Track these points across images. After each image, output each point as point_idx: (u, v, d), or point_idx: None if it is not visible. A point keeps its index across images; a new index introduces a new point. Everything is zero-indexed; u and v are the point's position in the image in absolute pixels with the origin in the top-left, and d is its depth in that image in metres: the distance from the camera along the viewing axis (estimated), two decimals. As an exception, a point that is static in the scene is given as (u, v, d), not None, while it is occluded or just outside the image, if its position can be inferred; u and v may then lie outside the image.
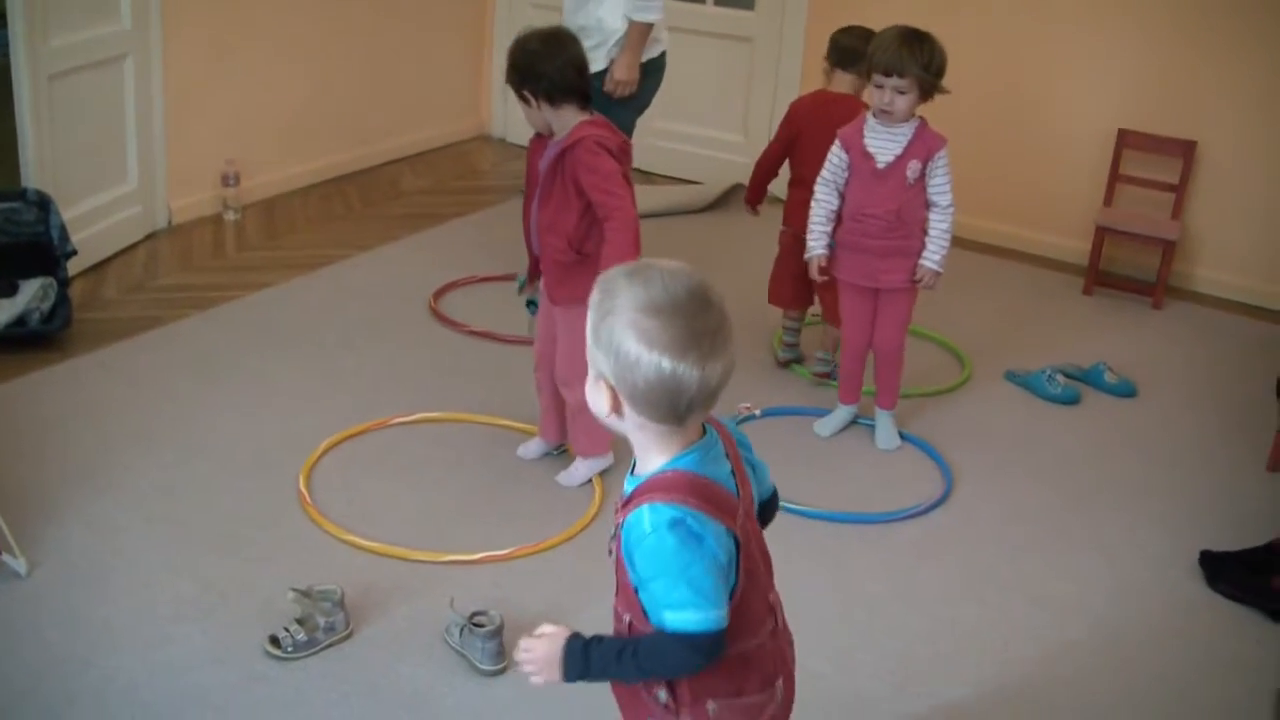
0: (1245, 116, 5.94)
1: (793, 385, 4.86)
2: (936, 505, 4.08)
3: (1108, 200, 6.21)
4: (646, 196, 6.82)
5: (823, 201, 4.29)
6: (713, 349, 1.90)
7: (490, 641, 3.11)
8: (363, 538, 3.63)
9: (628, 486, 2.06)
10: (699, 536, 1.93)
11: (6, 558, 3.35)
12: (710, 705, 2.10)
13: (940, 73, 4.04)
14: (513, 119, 7.80)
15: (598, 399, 2.00)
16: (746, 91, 7.17)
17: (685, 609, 1.94)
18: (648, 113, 5.42)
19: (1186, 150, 6.02)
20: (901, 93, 4.02)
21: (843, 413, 4.55)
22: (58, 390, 4.36)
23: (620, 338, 1.90)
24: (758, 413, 4.52)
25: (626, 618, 2.07)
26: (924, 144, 4.10)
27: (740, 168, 7.17)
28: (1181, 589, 3.76)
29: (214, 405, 4.34)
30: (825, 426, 4.53)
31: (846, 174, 4.22)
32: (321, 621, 3.17)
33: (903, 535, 3.93)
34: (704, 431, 2.05)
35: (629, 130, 4.97)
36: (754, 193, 5.04)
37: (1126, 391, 4.99)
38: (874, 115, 4.13)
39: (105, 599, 3.30)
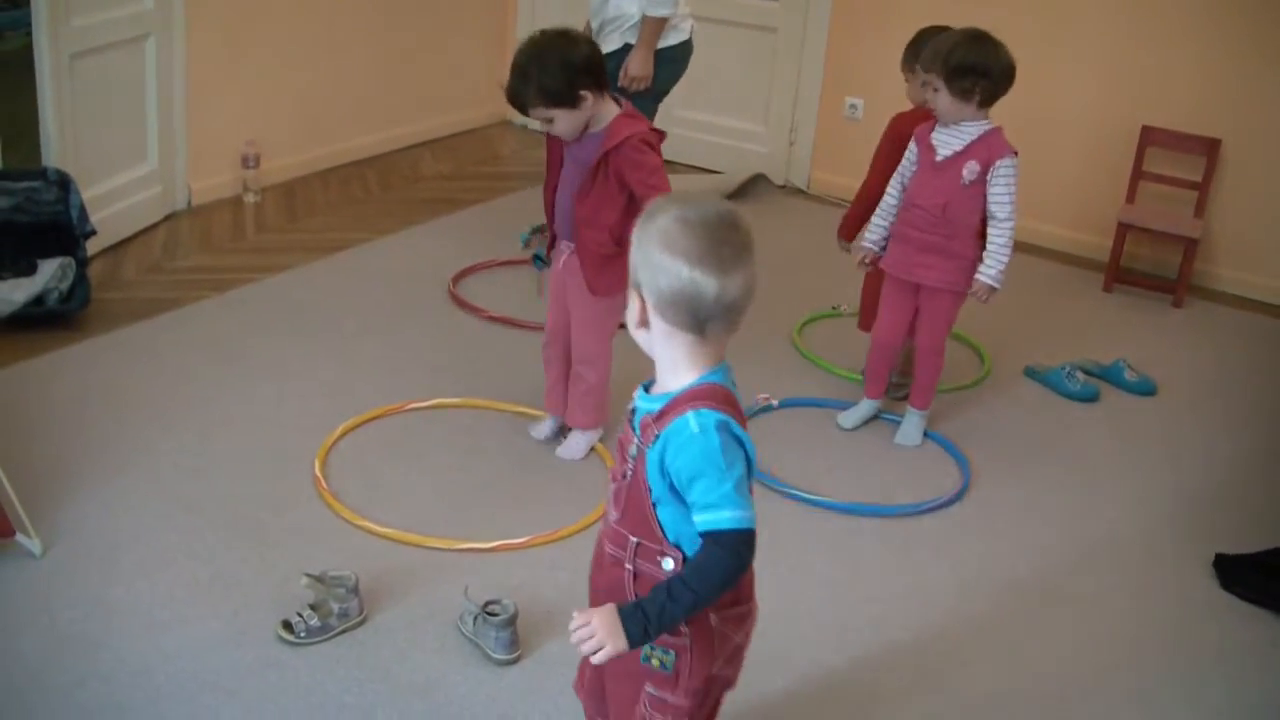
0: (1270, 114, 5.90)
1: (810, 377, 4.84)
2: (954, 500, 4.07)
3: (1130, 197, 6.17)
4: (667, 185, 6.82)
5: (886, 195, 4.29)
6: (733, 262, 2.07)
7: (504, 631, 3.11)
8: (378, 524, 3.63)
9: (648, 405, 2.17)
10: (740, 440, 2.10)
11: (21, 538, 3.35)
12: (712, 618, 2.23)
13: (965, 70, 3.94)
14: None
15: (631, 310, 2.15)
16: (769, 81, 7.14)
17: (726, 508, 2.05)
18: (668, 100, 5.40)
19: (1210, 148, 5.98)
20: (935, 90, 4.01)
21: (866, 406, 4.52)
22: (75, 370, 4.36)
23: (650, 245, 2.06)
24: (775, 403, 4.53)
25: (634, 540, 2.18)
26: (987, 148, 4.03)
27: (761, 158, 7.19)
28: (1197, 589, 3.74)
29: (231, 387, 4.34)
30: (848, 419, 4.51)
31: (914, 170, 4.20)
32: (335, 607, 3.17)
33: (920, 529, 3.92)
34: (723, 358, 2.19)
35: (651, 118, 4.96)
36: (851, 229, 4.67)
37: (1146, 389, 4.97)
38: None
39: (119, 580, 3.30)
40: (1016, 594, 3.64)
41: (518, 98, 3.70)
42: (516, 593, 3.28)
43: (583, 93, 3.64)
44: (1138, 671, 3.36)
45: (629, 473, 2.17)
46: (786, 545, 3.75)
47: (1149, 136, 6.09)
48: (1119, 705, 3.22)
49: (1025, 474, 4.30)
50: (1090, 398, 4.86)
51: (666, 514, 2.14)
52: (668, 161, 7.32)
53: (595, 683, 2.44)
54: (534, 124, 3.99)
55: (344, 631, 3.18)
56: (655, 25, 4.99)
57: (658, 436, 2.10)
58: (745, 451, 2.11)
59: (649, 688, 2.27)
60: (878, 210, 4.32)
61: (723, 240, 2.07)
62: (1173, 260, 6.06)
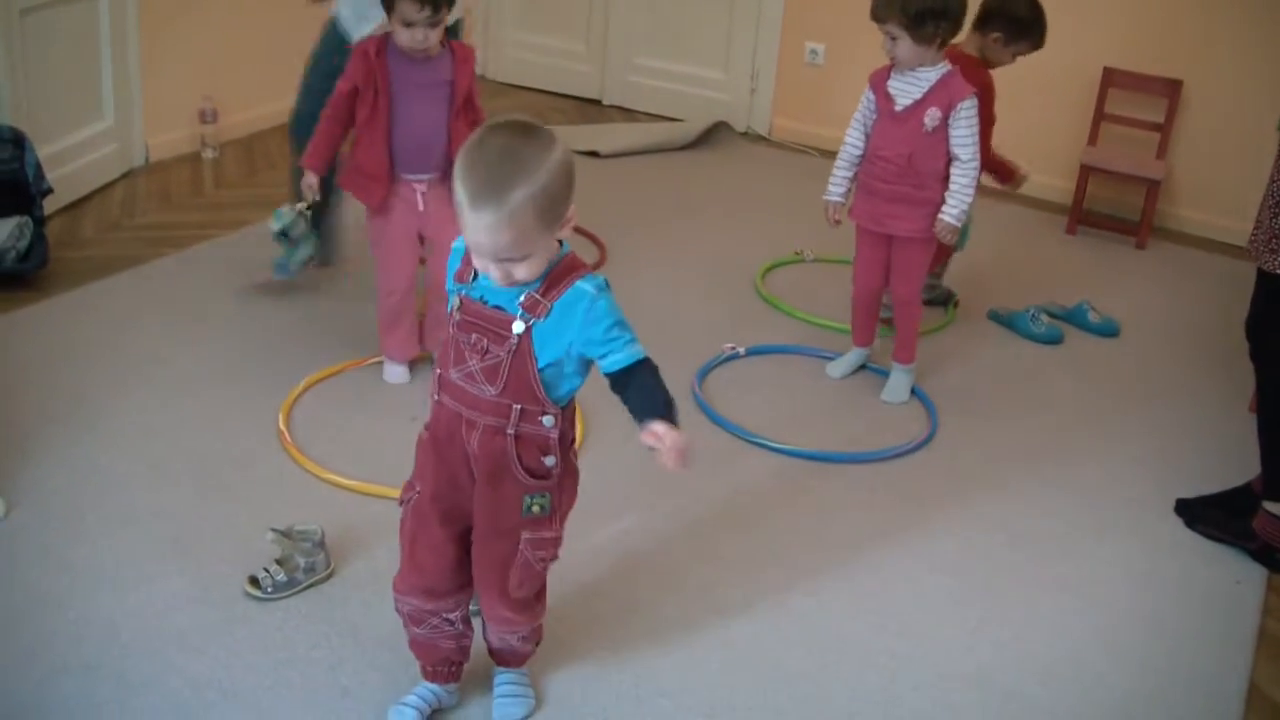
0: (1232, 56, 5.91)
1: (774, 324, 4.84)
2: (921, 445, 4.08)
3: (1092, 139, 6.18)
4: (628, 134, 6.80)
5: (847, 145, 4.23)
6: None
7: (471, 582, 3.11)
8: (343, 476, 3.61)
9: (511, 296, 2.36)
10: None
11: (-17, 498, 3.33)
12: (572, 454, 2.59)
13: (926, 15, 3.87)
14: (494, 57, 7.76)
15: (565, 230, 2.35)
16: (729, 28, 7.10)
17: (636, 343, 2.40)
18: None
19: (1172, 90, 5.99)
20: (893, 38, 3.95)
21: (854, 355, 4.51)
22: (35, 330, 4.32)
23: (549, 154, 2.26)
24: (742, 351, 4.53)
25: (517, 407, 2.41)
26: (946, 92, 3.99)
27: (721, 104, 7.16)
28: (1162, 529, 3.77)
29: (193, 344, 4.30)
30: (836, 369, 4.50)
31: (874, 117, 4.16)
32: (302, 562, 3.15)
33: (888, 475, 3.93)
34: None
35: None
36: None
37: (1110, 331, 4.99)
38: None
39: (83, 540, 3.28)
40: (983, 535, 3.65)
41: None
42: (484, 544, 3.27)
43: None
44: (1104, 610, 3.38)
45: (513, 348, 2.37)
46: (753, 493, 3.76)
47: (1110, 78, 6.09)
48: (1084, 643, 3.24)
49: (990, 417, 4.32)
50: (1054, 340, 4.87)
51: (551, 375, 2.41)
52: (630, 110, 7.38)
53: (441, 565, 2.62)
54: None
55: (311, 586, 3.17)
56: None
57: (550, 309, 2.35)
58: None
59: (526, 534, 2.53)
60: (839, 159, 4.26)
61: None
62: (1135, 202, 6.08)
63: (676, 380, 4.24)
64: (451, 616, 2.70)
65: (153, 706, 2.77)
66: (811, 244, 5.47)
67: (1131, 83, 6.07)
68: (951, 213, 4.08)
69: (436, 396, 2.50)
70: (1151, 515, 3.83)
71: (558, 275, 2.35)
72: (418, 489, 2.60)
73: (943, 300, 5.05)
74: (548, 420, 2.44)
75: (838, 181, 4.27)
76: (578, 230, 5.45)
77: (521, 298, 2.35)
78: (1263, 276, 3.55)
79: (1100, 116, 6.15)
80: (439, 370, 2.49)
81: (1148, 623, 3.36)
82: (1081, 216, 6.10)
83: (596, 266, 5.12)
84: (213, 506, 3.47)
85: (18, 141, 4.73)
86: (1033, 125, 6.32)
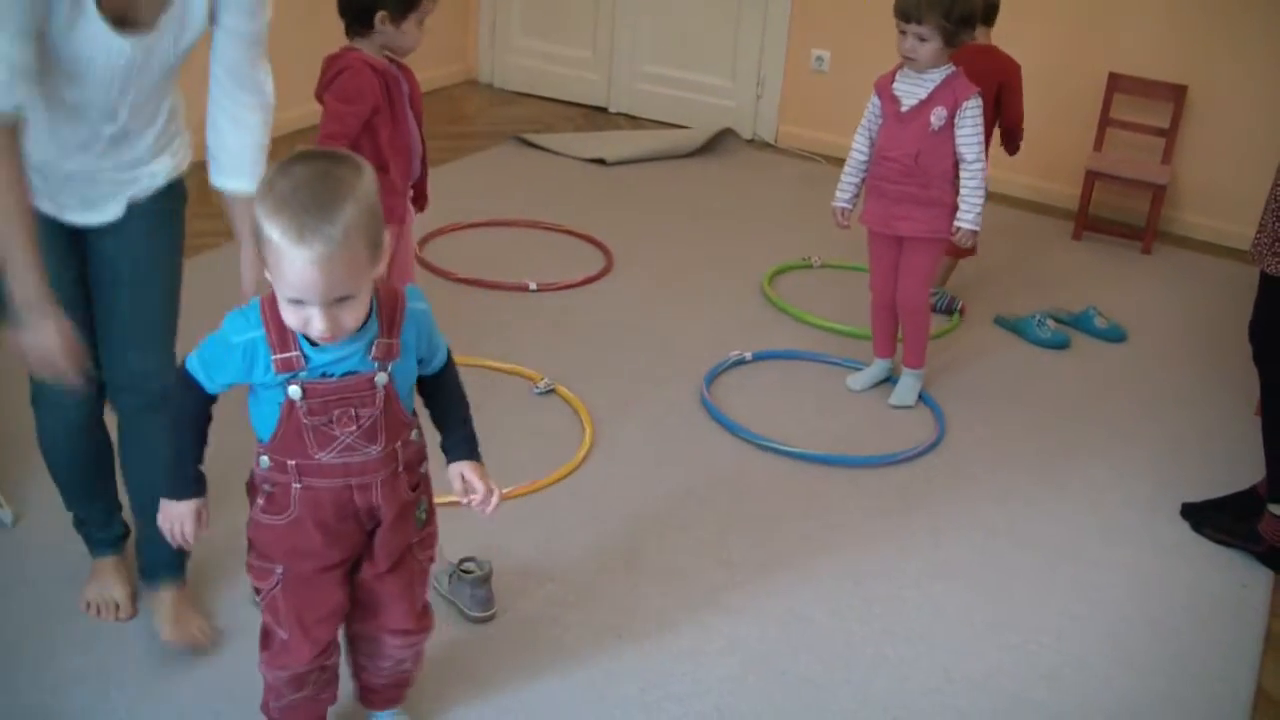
0: (1237, 61, 5.92)
1: (781, 329, 4.84)
2: (929, 449, 4.08)
3: (1098, 145, 6.19)
4: (635, 141, 6.80)
5: (853, 152, 4.24)
6: None
7: (479, 589, 3.11)
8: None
9: (357, 340, 2.20)
10: None
11: (-7, 507, 3.34)
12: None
13: (965, 20, 3.92)
14: (501, 66, 7.77)
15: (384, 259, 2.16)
16: (735, 35, 7.11)
17: (444, 342, 2.42)
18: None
19: (1177, 95, 6.00)
20: (922, 39, 3.94)
21: (876, 368, 4.48)
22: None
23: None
24: (748, 356, 4.53)
25: (397, 444, 2.34)
26: (951, 92, 4.00)
27: (728, 111, 7.17)
28: (1168, 532, 3.78)
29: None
30: (857, 381, 4.47)
31: (880, 122, 4.16)
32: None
33: (895, 479, 3.93)
34: None
35: None
36: None
37: (1116, 336, 4.99)
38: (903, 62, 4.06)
39: (93, 547, 3.29)
40: (990, 540, 3.66)
41: None
42: (490, 550, 3.27)
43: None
44: (1111, 614, 3.39)
45: (382, 401, 2.26)
46: (760, 496, 3.77)
47: (1116, 84, 6.10)
48: (1091, 647, 3.24)
49: (997, 421, 4.32)
50: (1061, 345, 4.88)
51: (407, 396, 2.35)
52: (636, 118, 7.39)
53: (336, 622, 2.50)
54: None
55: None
56: None
57: (401, 345, 2.25)
58: None
59: (414, 540, 2.47)
60: (846, 166, 4.27)
61: None
62: (1141, 207, 6.08)
63: (685, 384, 4.27)
64: (331, 661, 2.56)
65: (162, 715, 2.78)
66: (818, 250, 5.48)
67: (1136, 88, 6.07)
68: (967, 217, 4.08)
69: (298, 485, 2.30)
70: (1158, 519, 3.83)
71: (388, 308, 2.23)
72: (279, 571, 2.39)
73: (946, 308, 5.06)
74: (415, 434, 2.40)
75: (845, 188, 4.28)
76: (584, 238, 5.46)
77: (372, 350, 2.21)
78: (1266, 280, 3.55)
79: (1105, 122, 6.15)
80: (292, 461, 2.28)
81: (1154, 626, 3.36)
82: (1087, 222, 6.10)
83: (602, 274, 5.14)
84: (216, 513, 3.46)
85: (26, 151, 4.74)
86: (1038, 131, 6.30)
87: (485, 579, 3.12)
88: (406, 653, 2.61)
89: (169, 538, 2.39)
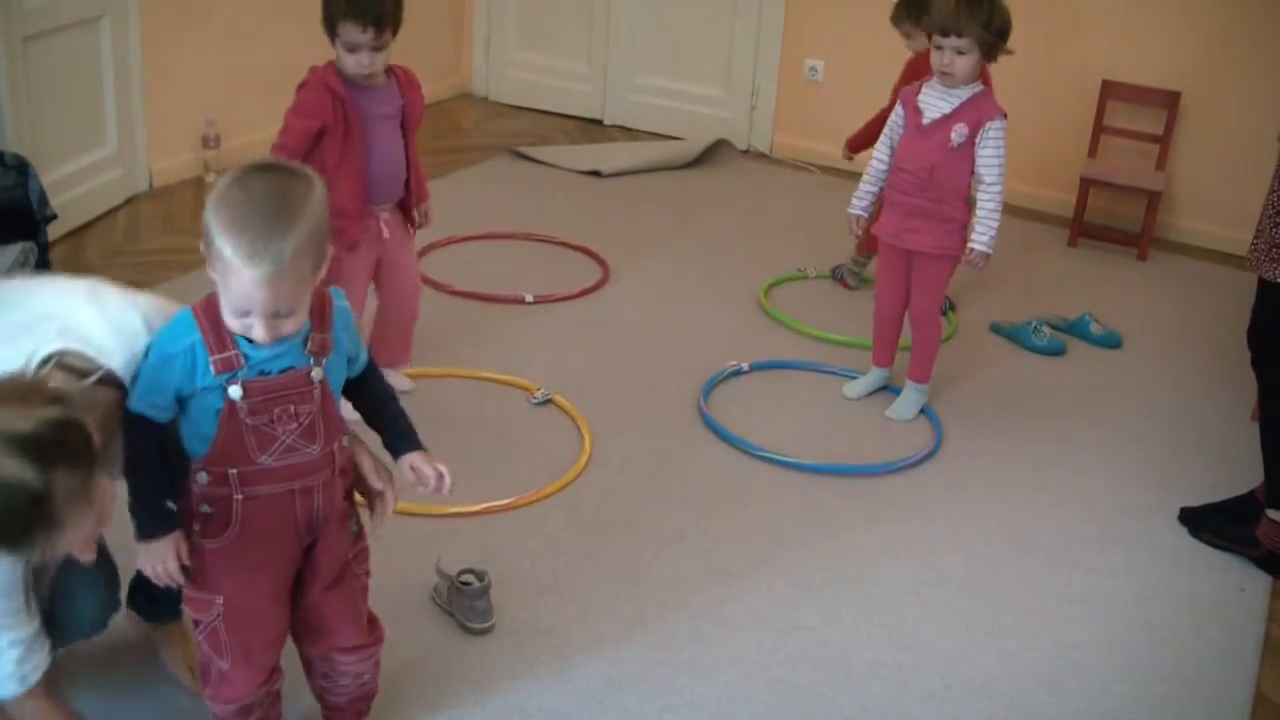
0: (1230, 67, 5.93)
1: (778, 340, 4.85)
2: (926, 458, 4.09)
3: (1092, 152, 6.20)
4: (630, 153, 6.81)
5: (874, 161, 4.21)
6: None
7: (478, 600, 3.11)
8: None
9: (291, 351, 2.27)
10: None
11: None
12: None
13: (1003, 32, 3.92)
14: (496, 78, 7.78)
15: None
16: (729, 46, 7.13)
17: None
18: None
19: (1171, 101, 6.01)
20: (961, 53, 3.91)
21: (873, 376, 4.47)
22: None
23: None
24: (745, 366, 4.53)
25: (336, 445, 2.38)
26: (976, 110, 3.97)
27: (722, 122, 7.18)
28: (1166, 537, 3.78)
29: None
30: (854, 389, 4.47)
31: (902, 132, 4.14)
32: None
33: (893, 487, 3.93)
34: None
35: None
36: (857, 144, 5.10)
37: (1112, 342, 5.00)
38: (936, 77, 4.03)
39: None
40: (988, 547, 3.66)
41: (383, 14, 3.72)
42: (489, 562, 3.28)
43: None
44: (1110, 619, 3.39)
45: (318, 397, 2.30)
46: (759, 506, 3.77)
47: (1109, 91, 6.11)
48: (1090, 652, 3.24)
49: (995, 429, 4.32)
50: (1057, 352, 4.88)
51: (337, 390, 2.39)
52: (631, 129, 7.39)
53: (279, 646, 2.50)
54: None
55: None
56: None
57: (333, 340, 2.32)
58: None
59: (350, 554, 2.50)
60: (866, 174, 4.24)
61: None
62: (1136, 214, 6.09)
63: (681, 396, 4.27)
64: (276, 686, 2.56)
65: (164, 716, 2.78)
66: (814, 260, 5.48)
67: (1130, 95, 6.09)
68: (982, 239, 4.05)
69: (239, 496, 2.30)
70: (1155, 524, 3.84)
71: (318, 305, 2.30)
72: (219, 602, 2.38)
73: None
74: (347, 440, 2.44)
75: (861, 195, 4.26)
76: (580, 250, 5.47)
77: (308, 345, 2.27)
78: (1263, 286, 3.56)
79: (1100, 129, 6.17)
80: (233, 470, 2.28)
81: (1153, 631, 3.36)
82: (1082, 229, 6.11)
83: (599, 286, 5.14)
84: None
85: (21, 168, 4.74)
86: (1033, 139, 6.33)
87: (484, 591, 3.12)
88: (364, 666, 2.62)
89: (154, 579, 2.34)
